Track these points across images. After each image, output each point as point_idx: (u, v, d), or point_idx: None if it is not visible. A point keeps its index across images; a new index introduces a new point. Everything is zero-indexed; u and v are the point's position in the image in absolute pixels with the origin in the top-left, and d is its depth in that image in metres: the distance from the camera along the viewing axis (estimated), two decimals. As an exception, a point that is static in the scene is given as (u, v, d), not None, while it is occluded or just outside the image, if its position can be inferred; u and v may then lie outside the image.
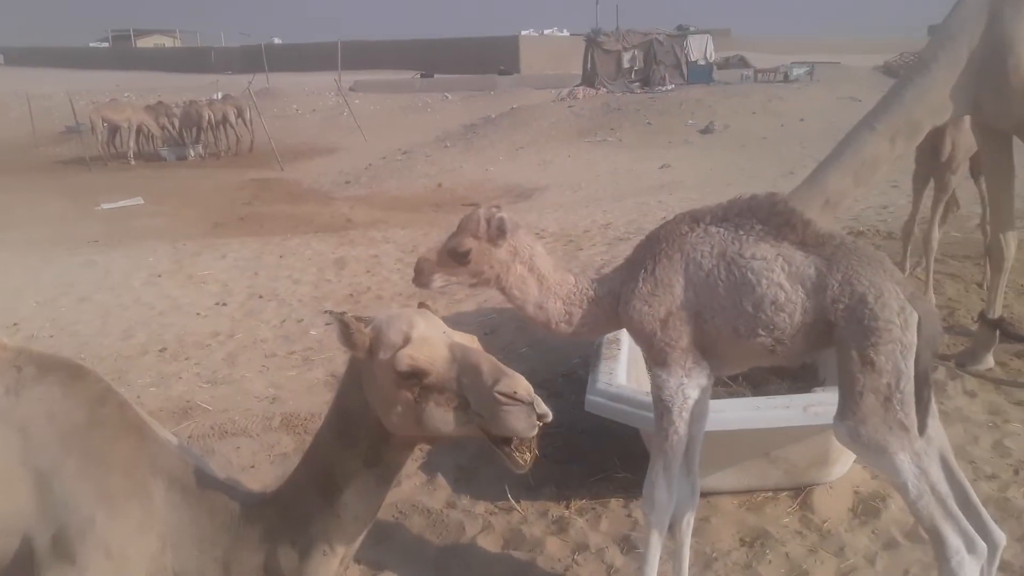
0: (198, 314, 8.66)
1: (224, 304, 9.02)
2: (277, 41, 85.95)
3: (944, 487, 2.77)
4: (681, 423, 3.08)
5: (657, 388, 3.10)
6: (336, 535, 3.17)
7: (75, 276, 10.67)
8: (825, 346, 2.89)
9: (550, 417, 2.33)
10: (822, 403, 3.81)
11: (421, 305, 3.07)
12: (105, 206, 18.04)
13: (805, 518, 4.10)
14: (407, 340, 2.71)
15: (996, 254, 5.63)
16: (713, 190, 15.27)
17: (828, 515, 4.10)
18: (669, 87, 33.72)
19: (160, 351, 7.46)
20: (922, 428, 2.73)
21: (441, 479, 4.73)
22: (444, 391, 2.71)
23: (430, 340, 2.76)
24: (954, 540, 2.73)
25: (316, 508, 3.16)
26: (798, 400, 3.91)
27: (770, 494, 4.28)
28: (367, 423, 2.94)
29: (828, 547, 3.87)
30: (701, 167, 19.13)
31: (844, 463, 4.29)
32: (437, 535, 4.25)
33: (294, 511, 3.24)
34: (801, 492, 4.26)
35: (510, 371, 2.71)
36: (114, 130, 27.98)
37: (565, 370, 6.18)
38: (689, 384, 3.05)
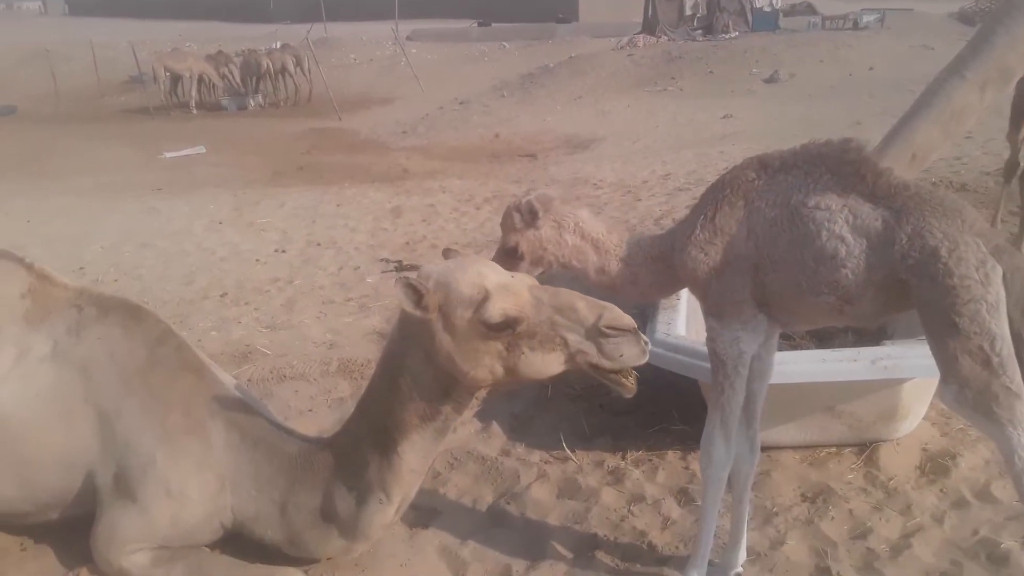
0: (257, 260, 8.75)
1: (283, 251, 9.09)
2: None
3: None
4: (737, 377, 2.98)
5: (711, 340, 3.00)
6: (392, 484, 3.18)
7: (139, 222, 10.86)
8: (904, 307, 2.71)
9: (650, 344, 2.61)
10: (891, 356, 3.69)
11: (447, 250, 3.02)
12: (168, 155, 18.25)
13: (870, 475, 3.99)
14: (485, 292, 2.68)
15: None
16: (777, 140, 14.82)
17: (894, 472, 3.98)
18: (733, 35, 32.85)
19: (221, 296, 7.55)
20: None
21: (496, 427, 4.71)
22: (536, 335, 2.71)
23: (511, 287, 2.73)
24: None
25: (371, 457, 3.17)
26: (866, 353, 3.76)
27: (833, 450, 4.17)
28: (426, 380, 2.92)
29: (894, 505, 3.76)
30: (765, 117, 18.60)
31: (913, 419, 4.15)
32: (491, 482, 4.23)
33: (350, 458, 3.25)
34: (866, 448, 4.13)
35: (606, 303, 2.71)
36: (176, 79, 28.18)
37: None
38: (744, 337, 2.94)
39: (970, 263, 2.48)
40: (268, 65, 28.39)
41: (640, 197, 10.57)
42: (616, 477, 4.16)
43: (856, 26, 32.99)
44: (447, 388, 2.95)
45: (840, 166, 2.76)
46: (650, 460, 4.28)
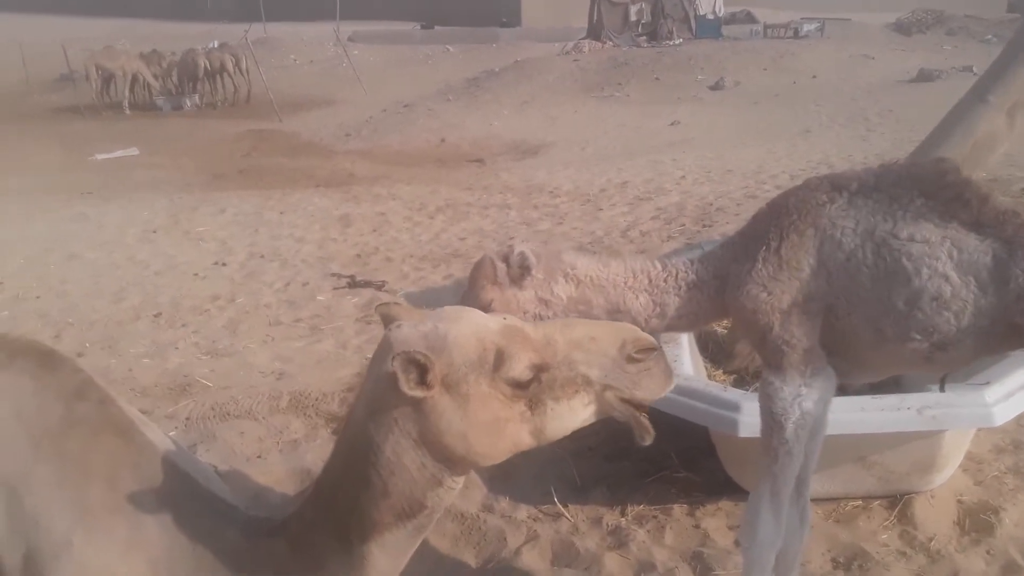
0: (196, 275, 8.10)
1: (223, 264, 8.44)
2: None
3: None
4: (796, 443, 2.51)
5: (768, 398, 2.52)
6: None
7: (66, 230, 10.11)
8: (1003, 351, 2.28)
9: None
10: (940, 405, 3.25)
11: (385, 307, 2.37)
12: (99, 156, 17.38)
13: (906, 534, 3.56)
14: (495, 345, 2.12)
15: None
16: (729, 148, 14.69)
17: (932, 530, 3.55)
18: (677, 41, 32.86)
19: (155, 316, 6.89)
20: None
21: (474, 475, 4.15)
22: (556, 380, 2.13)
23: (516, 332, 2.16)
24: None
25: (331, 552, 2.54)
26: (912, 400, 3.32)
27: (860, 503, 3.74)
28: (411, 472, 2.31)
29: (939, 572, 3.32)
30: (712, 124, 18.49)
31: (949, 470, 3.74)
32: (474, 545, 3.70)
33: (305, 550, 2.64)
34: (897, 502, 3.71)
35: (623, 324, 2.19)
36: (108, 79, 27.12)
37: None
38: (808, 395, 2.47)
39: None
40: (206, 65, 27.46)
41: (601, 207, 10.15)
42: (618, 539, 3.66)
43: (797, 35, 33.31)
44: (441, 475, 2.32)
45: (938, 189, 2.30)
46: (655, 517, 3.79)
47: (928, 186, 2.32)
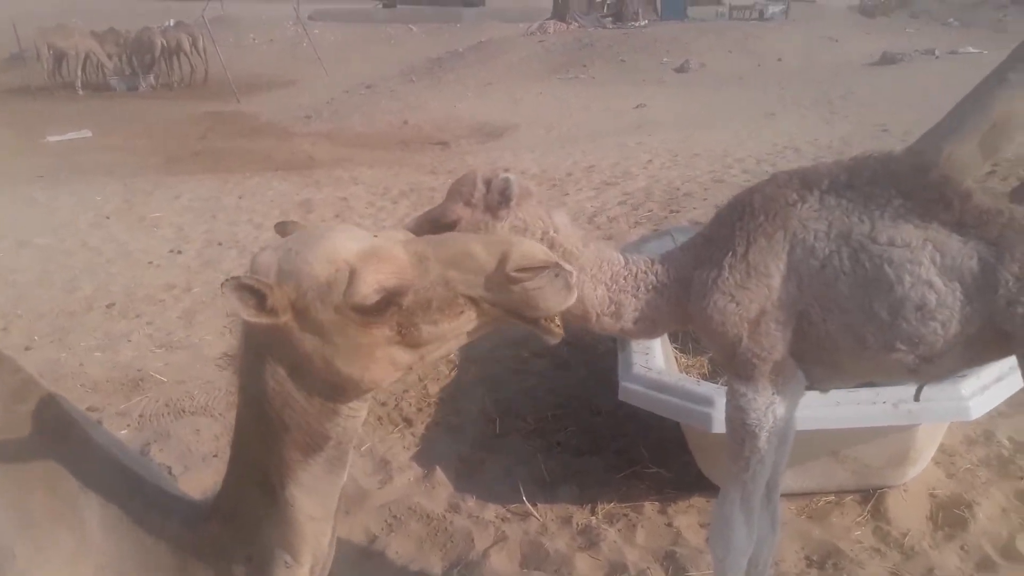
0: (150, 263, 7.85)
1: (179, 252, 8.19)
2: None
3: None
4: (768, 450, 2.41)
5: (739, 409, 2.40)
6: (293, 540, 2.43)
7: (15, 216, 9.76)
8: (993, 359, 2.17)
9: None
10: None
11: (283, 224, 2.22)
12: (51, 138, 16.92)
13: (880, 530, 3.49)
14: (347, 267, 1.96)
15: None
16: (694, 131, 14.64)
17: (906, 526, 3.49)
18: (642, 23, 32.73)
19: (107, 307, 6.66)
20: None
21: (440, 474, 4.04)
22: (430, 302, 1.98)
23: (380, 251, 1.99)
24: None
25: (261, 513, 2.40)
26: (887, 394, 3.22)
27: (832, 498, 3.66)
28: (299, 401, 2.17)
29: (914, 570, 3.25)
30: (677, 107, 18.45)
31: (922, 463, 3.68)
32: (440, 547, 3.56)
33: (239, 520, 2.50)
34: (870, 496, 3.64)
35: (505, 238, 2.05)
36: (60, 57, 26.46)
37: (570, 337, 5.42)
38: (780, 404, 2.37)
39: None
40: (162, 44, 26.87)
41: (567, 191, 10.03)
42: (589, 539, 3.55)
43: (762, 17, 33.35)
44: (332, 403, 2.16)
45: (917, 188, 2.16)
46: (625, 515, 3.69)
47: (906, 185, 2.18)
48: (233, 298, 1.89)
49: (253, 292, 1.89)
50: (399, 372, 2.08)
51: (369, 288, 1.90)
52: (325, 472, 2.29)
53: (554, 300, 1.97)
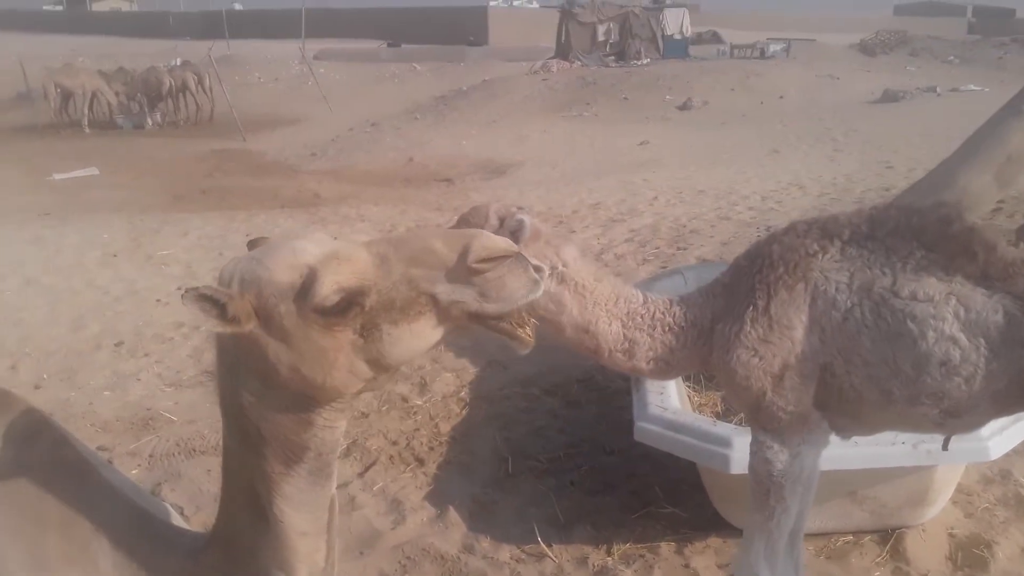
0: (158, 301, 7.83)
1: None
2: (238, 7, 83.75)
3: None
4: (793, 499, 2.38)
5: (765, 462, 2.38)
6: (289, 558, 2.40)
7: (22, 254, 9.76)
8: (1014, 413, 2.14)
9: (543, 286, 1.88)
10: (935, 439, 3.14)
11: (254, 241, 2.23)
12: (58, 176, 16.99)
13: (899, 570, 3.45)
14: (307, 269, 1.95)
15: None
16: (699, 169, 14.70)
17: (925, 567, 3.45)
18: (645, 61, 33.05)
19: (116, 345, 6.64)
20: None
21: (453, 514, 4.00)
22: (393, 302, 1.95)
23: (341, 253, 1.98)
24: None
25: (256, 534, 2.38)
26: (906, 435, 3.19)
27: (851, 538, 3.62)
28: (272, 413, 2.16)
29: (937, 613, 3.22)
30: (681, 144, 18.52)
31: (941, 503, 3.64)
32: (455, 590, 3.53)
33: (235, 545, 2.48)
34: (889, 537, 3.60)
35: (466, 231, 2.00)
36: (67, 96, 26.66)
37: (581, 375, 5.43)
38: (807, 452, 2.34)
39: None
40: (169, 83, 27.09)
41: (574, 228, 10.04)
42: (605, 581, 3.50)
43: (763, 55, 33.66)
44: (305, 413, 2.14)
45: (940, 240, 2.13)
46: (642, 556, 3.65)
47: (929, 236, 2.16)
48: (195, 308, 1.88)
49: (214, 302, 1.89)
50: (360, 382, 2.05)
51: (328, 289, 1.88)
52: (309, 484, 2.26)
53: (517, 290, 1.93)
